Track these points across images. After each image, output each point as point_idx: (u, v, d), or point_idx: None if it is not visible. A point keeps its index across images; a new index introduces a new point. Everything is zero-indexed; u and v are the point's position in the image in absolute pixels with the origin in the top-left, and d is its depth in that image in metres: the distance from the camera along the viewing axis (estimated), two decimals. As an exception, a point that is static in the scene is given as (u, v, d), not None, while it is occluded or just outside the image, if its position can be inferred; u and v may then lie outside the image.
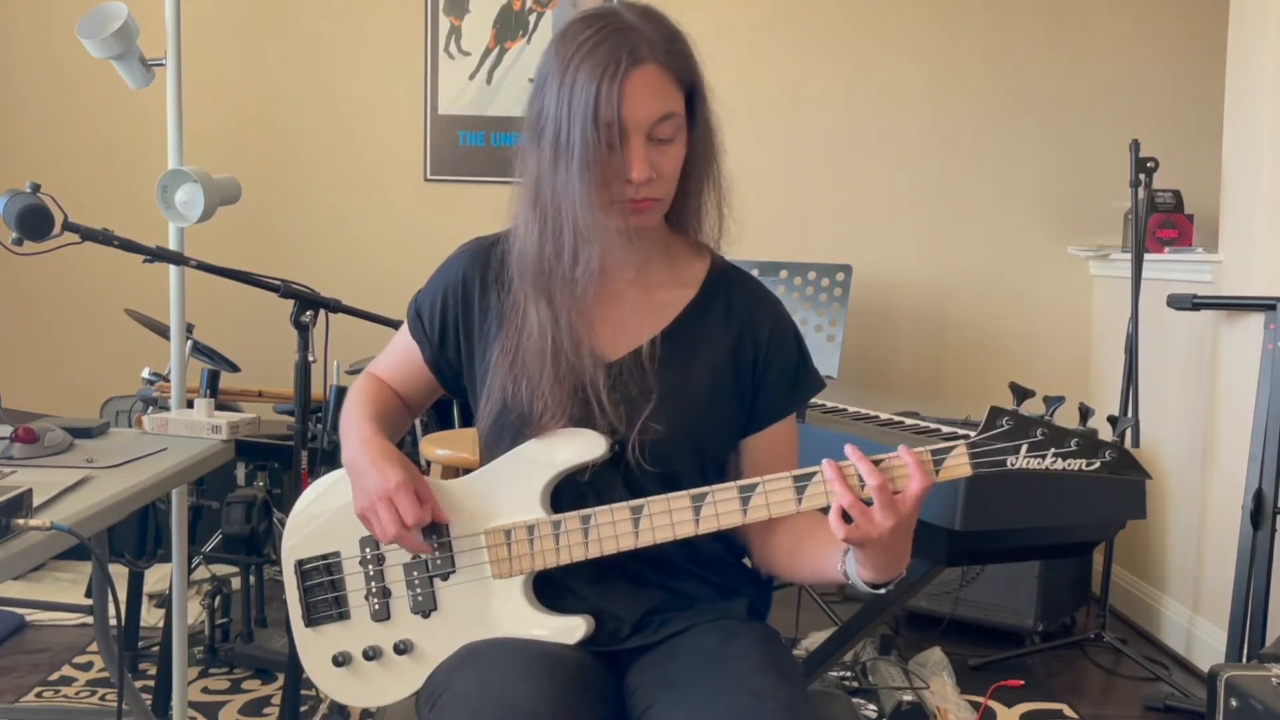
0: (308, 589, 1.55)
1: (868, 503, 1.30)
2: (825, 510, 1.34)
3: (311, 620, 1.54)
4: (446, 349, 1.59)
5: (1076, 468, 1.29)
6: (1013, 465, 1.30)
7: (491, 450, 1.54)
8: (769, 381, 1.54)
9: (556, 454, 1.47)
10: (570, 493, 1.48)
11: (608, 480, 1.48)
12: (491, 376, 1.51)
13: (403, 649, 1.50)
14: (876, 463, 1.31)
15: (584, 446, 1.46)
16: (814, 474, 1.36)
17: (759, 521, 1.40)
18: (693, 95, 1.44)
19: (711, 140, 1.49)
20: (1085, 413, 1.33)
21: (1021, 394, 1.34)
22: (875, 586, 1.39)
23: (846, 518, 1.31)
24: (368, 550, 1.52)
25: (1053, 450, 1.29)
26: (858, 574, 1.38)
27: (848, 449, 1.32)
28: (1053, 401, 1.34)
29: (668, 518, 1.41)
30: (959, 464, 1.31)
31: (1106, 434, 1.33)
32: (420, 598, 1.50)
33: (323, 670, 1.54)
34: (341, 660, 1.52)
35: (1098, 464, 1.29)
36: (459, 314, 1.56)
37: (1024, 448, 1.30)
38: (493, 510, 1.48)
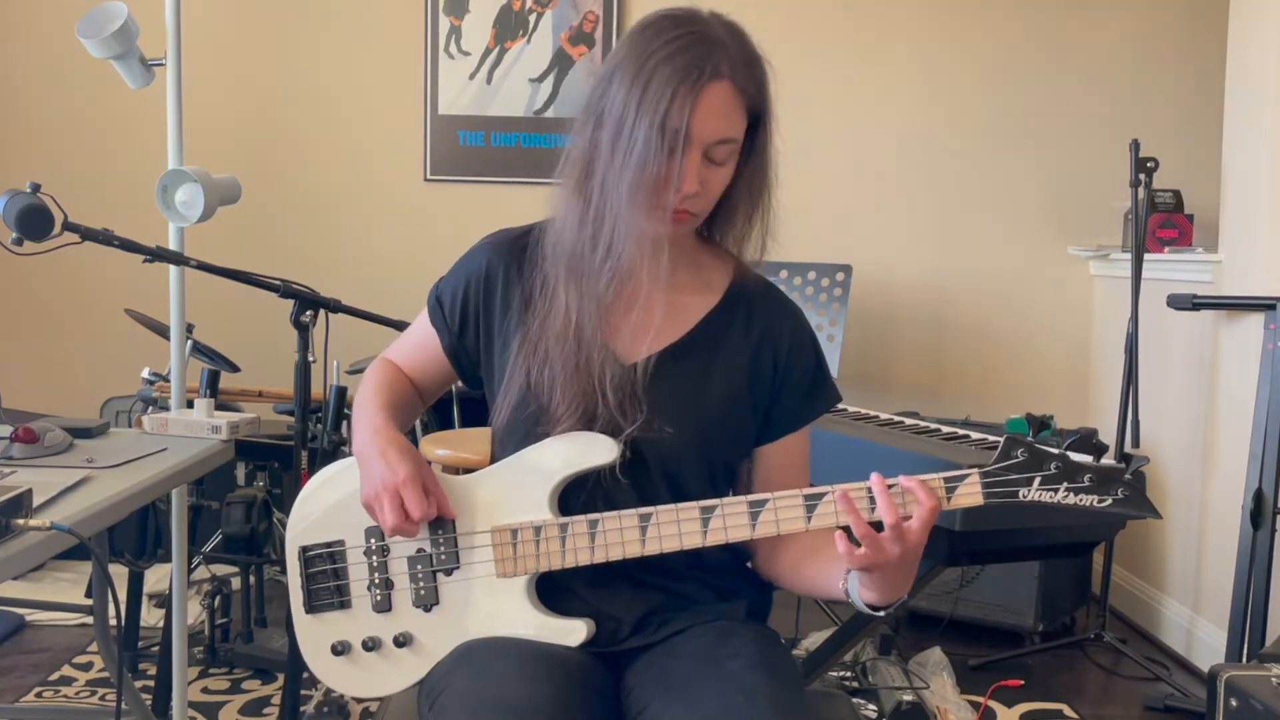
0: (310, 576, 1.54)
1: (878, 528, 1.30)
2: (834, 529, 1.34)
3: (312, 607, 1.54)
4: (466, 338, 1.58)
5: (1088, 503, 1.29)
6: (1024, 497, 1.31)
7: (505, 444, 1.53)
8: (785, 392, 1.54)
9: (567, 456, 1.47)
10: (579, 495, 1.48)
11: (617, 484, 1.48)
12: (512, 367, 1.51)
13: (402, 641, 1.50)
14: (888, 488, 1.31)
15: (595, 450, 1.46)
16: (824, 494, 1.36)
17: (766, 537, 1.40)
18: (757, 123, 1.44)
19: (767, 170, 1.48)
20: (1100, 449, 1.33)
21: (1038, 425, 1.34)
22: (875, 609, 1.39)
23: (855, 542, 1.31)
24: (372, 540, 1.52)
25: (1065, 484, 1.30)
26: (859, 595, 1.39)
27: (873, 477, 1.32)
28: (1069, 435, 1.35)
29: (675, 528, 1.41)
30: (971, 493, 1.32)
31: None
32: (422, 591, 1.50)
33: (321, 658, 1.54)
34: (340, 649, 1.52)
35: (1109, 501, 1.29)
36: (480, 304, 1.56)
37: (1037, 480, 1.30)
38: (500, 509, 1.48)
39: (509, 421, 1.52)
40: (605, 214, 1.41)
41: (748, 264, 1.55)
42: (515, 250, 1.55)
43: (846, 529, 1.33)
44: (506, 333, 1.53)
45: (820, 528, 1.37)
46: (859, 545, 1.30)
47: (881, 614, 1.40)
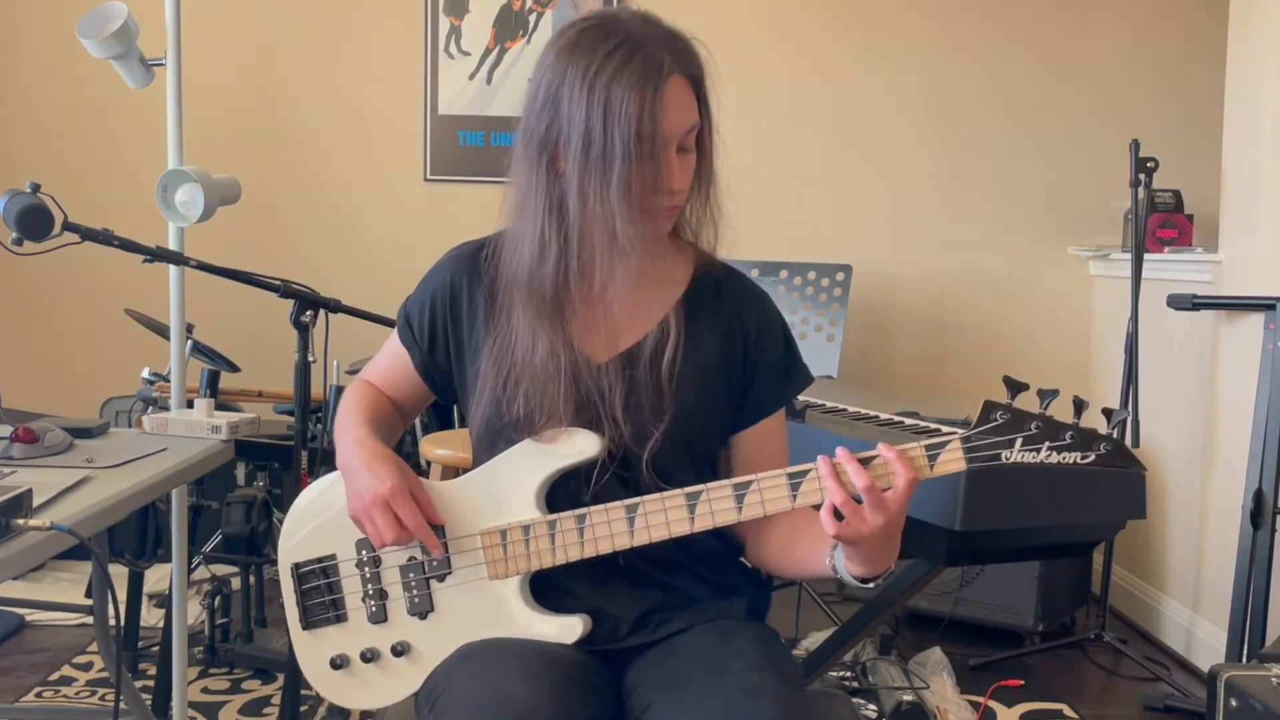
0: (304, 592, 1.55)
1: (859, 500, 1.30)
2: (818, 507, 1.34)
3: (309, 623, 1.54)
4: (436, 354, 1.59)
5: (1071, 460, 1.28)
6: (1007, 459, 1.30)
7: (485, 452, 1.54)
8: (758, 376, 1.55)
9: (551, 454, 1.47)
10: (565, 492, 1.49)
11: (602, 479, 1.48)
12: (483, 381, 1.51)
13: (400, 651, 1.50)
14: (865, 462, 1.31)
15: (578, 446, 1.46)
16: (808, 471, 1.36)
17: (753, 519, 1.41)
18: (702, 104, 1.45)
19: (711, 151, 1.49)
20: (1080, 405, 1.32)
21: (1016, 388, 1.33)
22: (863, 581, 1.39)
23: (838, 515, 1.31)
24: (364, 552, 1.52)
25: (1047, 444, 1.29)
26: (846, 569, 1.39)
27: (839, 451, 1.33)
28: (1047, 395, 1.34)
29: (663, 516, 1.41)
30: (953, 458, 1.32)
31: (1102, 427, 1.32)
32: (417, 599, 1.50)
33: (321, 673, 1.54)
34: (339, 663, 1.52)
35: (1092, 456, 1.28)
36: (448, 319, 1.56)
37: (1018, 441, 1.30)
38: (488, 511, 1.48)
39: (485, 430, 1.53)
40: (593, 235, 1.40)
41: (708, 252, 1.55)
42: (477, 262, 1.55)
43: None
44: (476, 344, 1.54)
45: (805, 505, 1.37)
46: (841, 518, 1.30)
47: (870, 585, 1.40)
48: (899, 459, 1.30)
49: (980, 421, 1.31)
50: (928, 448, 1.32)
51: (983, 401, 1.31)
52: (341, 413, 1.59)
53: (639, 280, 1.50)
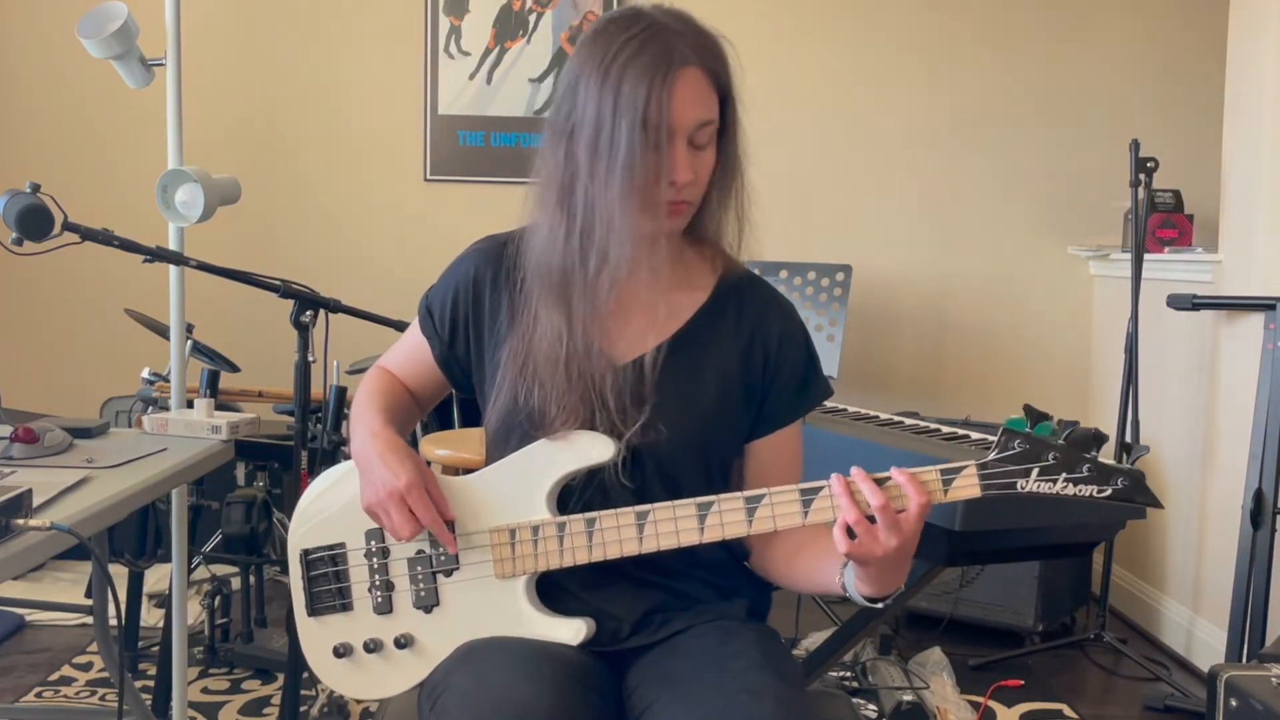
0: (312, 579, 1.55)
1: (872, 520, 1.30)
2: (829, 524, 1.33)
3: (314, 610, 1.55)
4: (456, 346, 1.59)
5: (1088, 494, 1.27)
6: (1023, 488, 1.29)
7: (499, 449, 1.54)
8: (777, 386, 1.54)
9: (564, 455, 1.46)
10: (575, 494, 1.48)
11: (614, 483, 1.47)
12: (501, 376, 1.51)
13: (403, 643, 1.50)
14: (880, 482, 1.31)
15: (592, 449, 1.46)
16: (820, 488, 1.36)
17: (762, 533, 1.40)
18: (725, 103, 1.44)
19: (738, 150, 1.48)
20: (1099, 438, 1.32)
21: (1036, 417, 1.33)
22: (872, 600, 1.39)
23: (850, 533, 1.30)
24: (373, 543, 1.52)
25: (1064, 475, 1.28)
26: (856, 588, 1.39)
27: (853, 470, 1.32)
28: (1066, 425, 1.33)
29: (672, 525, 1.41)
30: (968, 485, 1.31)
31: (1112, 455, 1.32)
32: (423, 593, 1.50)
33: (323, 660, 1.54)
34: (342, 651, 1.53)
35: (1109, 491, 1.27)
36: (469, 312, 1.56)
37: (1035, 471, 1.29)
38: (498, 509, 1.48)
39: (499, 426, 1.52)
40: (595, 225, 1.41)
41: (735, 259, 1.54)
42: (501, 257, 1.55)
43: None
44: (496, 339, 1.54)
45: (816, 522, 1.37)
46: (854, 537, 1.30)
47: (879, 605, 1.39)
48: (911, 483, 1.29)
49: (998, 448, 1.30)
50: (943, 472, 1.31)
51: (1001, 429, 1.31)
52: (358, 400, 1.59)
53: (662, 285, 1.50)
